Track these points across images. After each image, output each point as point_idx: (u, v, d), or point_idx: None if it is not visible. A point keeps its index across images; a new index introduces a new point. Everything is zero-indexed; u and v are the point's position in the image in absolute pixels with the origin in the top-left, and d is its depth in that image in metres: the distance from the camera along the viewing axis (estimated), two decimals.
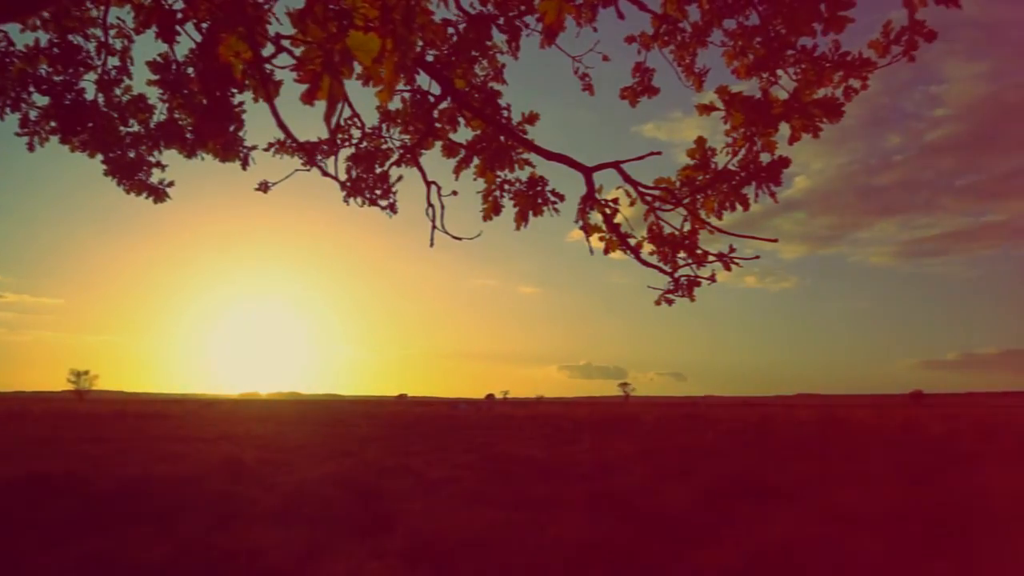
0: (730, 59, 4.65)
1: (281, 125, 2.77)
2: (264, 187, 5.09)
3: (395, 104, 5.68)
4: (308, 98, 2.36)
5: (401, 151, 5.50)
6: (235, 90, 3.50)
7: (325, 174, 4.05)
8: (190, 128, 5.08)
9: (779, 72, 4.53)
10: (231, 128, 4.55)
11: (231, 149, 4.68)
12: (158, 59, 4.83)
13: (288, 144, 5.08)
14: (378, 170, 5.45)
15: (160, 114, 5.57)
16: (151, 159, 5.98)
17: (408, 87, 5.27)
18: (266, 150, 4.94)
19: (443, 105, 5.32)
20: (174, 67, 4.78)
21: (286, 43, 3.75)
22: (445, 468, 14.52)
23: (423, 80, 5.23)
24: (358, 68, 2.34)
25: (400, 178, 5.52)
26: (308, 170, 5.10)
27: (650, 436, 26.34)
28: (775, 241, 4.73)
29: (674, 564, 6.81)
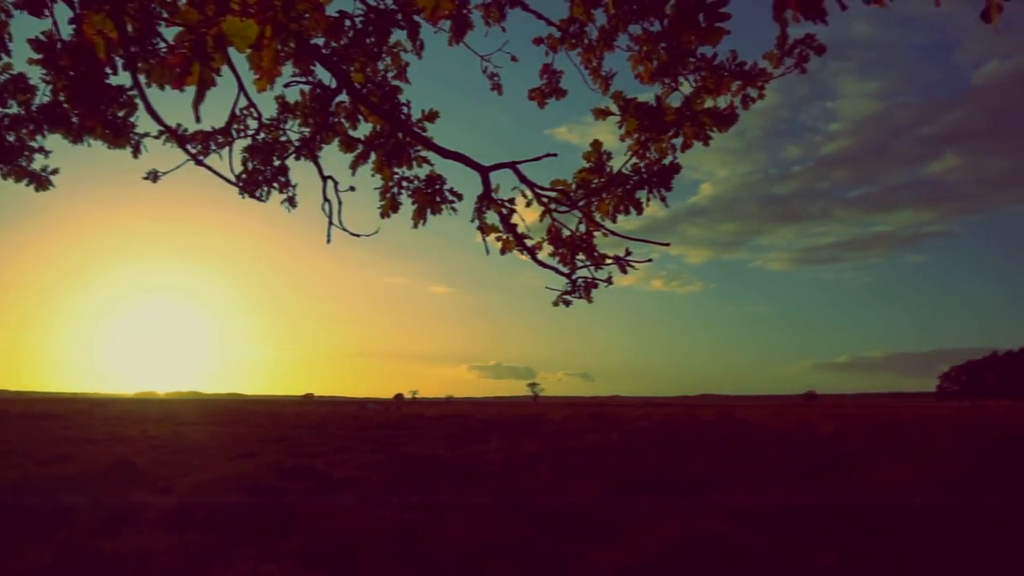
0: (635, 64, 4.77)
1: (150, 111, 2.64)
2: (153, 176, 4.87)
3: (294, 96, 5.57)
4: (178, 83, 2.26)
5: (299, 144, 5.37)
6: (109, 71, 3.32)
7: (199, 163, 3.87)
8: (76, 112, 4.81)
9: (681, 79, 4.68)
10: (120, 113, 4.33)
11: (121, 135, 4.44)
12: (41, 37, 4.54)
13: (179, 132, 4.87)
14: (276, 163, 5.31)
15: (43, 96, 5.23)
16: (33, 144, 5.60)
17: (304, 78, 5.16)
18: (156, 137, 4.74)
19: (341, 99, 5.24)
20: (59, 45, 4.50)
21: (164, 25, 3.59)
22: (349, 469, 14.32)
23: (324, 74, 5.15)
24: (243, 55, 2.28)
25: (287, 169, 5.42)
26: (201, 160, 4.90)
27: (557, 435, 26.69)
28: (667, 245, 4.89)
29: (575, 561, 6.91)
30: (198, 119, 2.32)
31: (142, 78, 4.13)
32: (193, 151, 4.91)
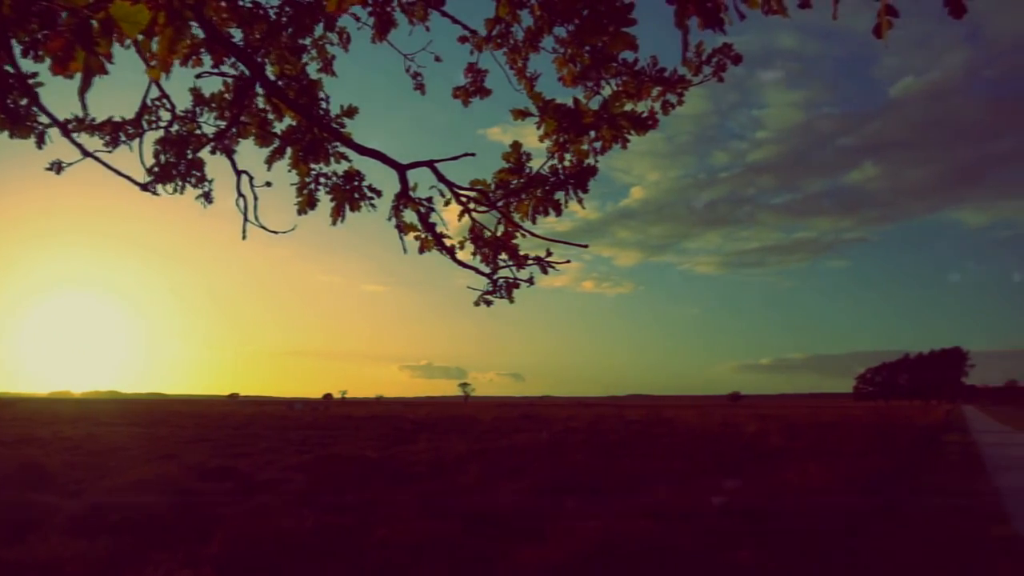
0: (560, 66, 4.81)
1: (34, 100, 2.51)
2: (57, 168, 4.66)
3: (212, 87, 5.43)
4: (60, 70, 2.15)
5: (213, 137, 5.24)
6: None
7: (87, 155, 3.72)
8: None
9: (603, 83, 4.75)
10: (23, 101, 4.11)
11: (21, 124, 4.23)
12: None
13: (87, 122, 4.68)
14: (190, 156, 5.16)
15: None
16: None
17: (218, 69, 5.02)
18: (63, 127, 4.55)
19: (257, 92, 5.13)
20: None
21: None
22: (274, 470, 14.06)
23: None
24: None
25: (202, 163, 5.28)
26: (110, 151, 4.73)
27: (487, 436, 26.80)
28: (586, 247, 4.97)
29: (499, 561, 6.92)
30: (84, 108, 2.22)
31: (45, 65, 3.96)
32: (101, 141, 4.73)
